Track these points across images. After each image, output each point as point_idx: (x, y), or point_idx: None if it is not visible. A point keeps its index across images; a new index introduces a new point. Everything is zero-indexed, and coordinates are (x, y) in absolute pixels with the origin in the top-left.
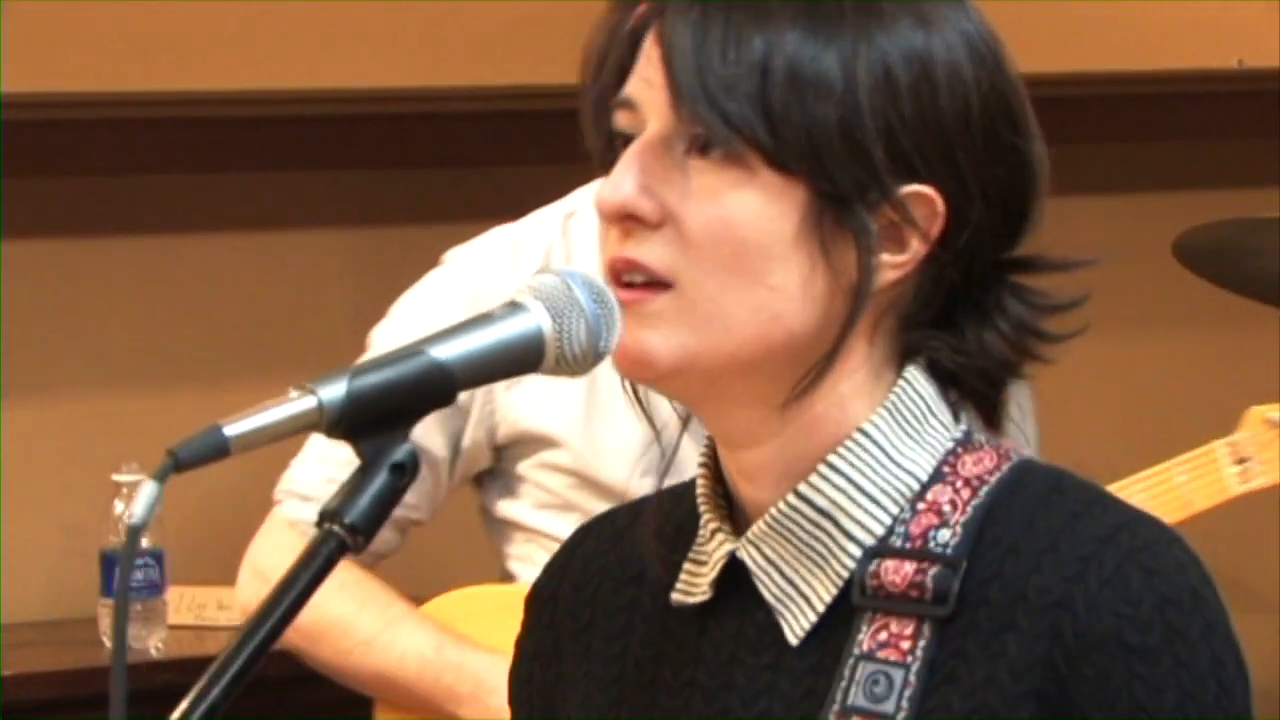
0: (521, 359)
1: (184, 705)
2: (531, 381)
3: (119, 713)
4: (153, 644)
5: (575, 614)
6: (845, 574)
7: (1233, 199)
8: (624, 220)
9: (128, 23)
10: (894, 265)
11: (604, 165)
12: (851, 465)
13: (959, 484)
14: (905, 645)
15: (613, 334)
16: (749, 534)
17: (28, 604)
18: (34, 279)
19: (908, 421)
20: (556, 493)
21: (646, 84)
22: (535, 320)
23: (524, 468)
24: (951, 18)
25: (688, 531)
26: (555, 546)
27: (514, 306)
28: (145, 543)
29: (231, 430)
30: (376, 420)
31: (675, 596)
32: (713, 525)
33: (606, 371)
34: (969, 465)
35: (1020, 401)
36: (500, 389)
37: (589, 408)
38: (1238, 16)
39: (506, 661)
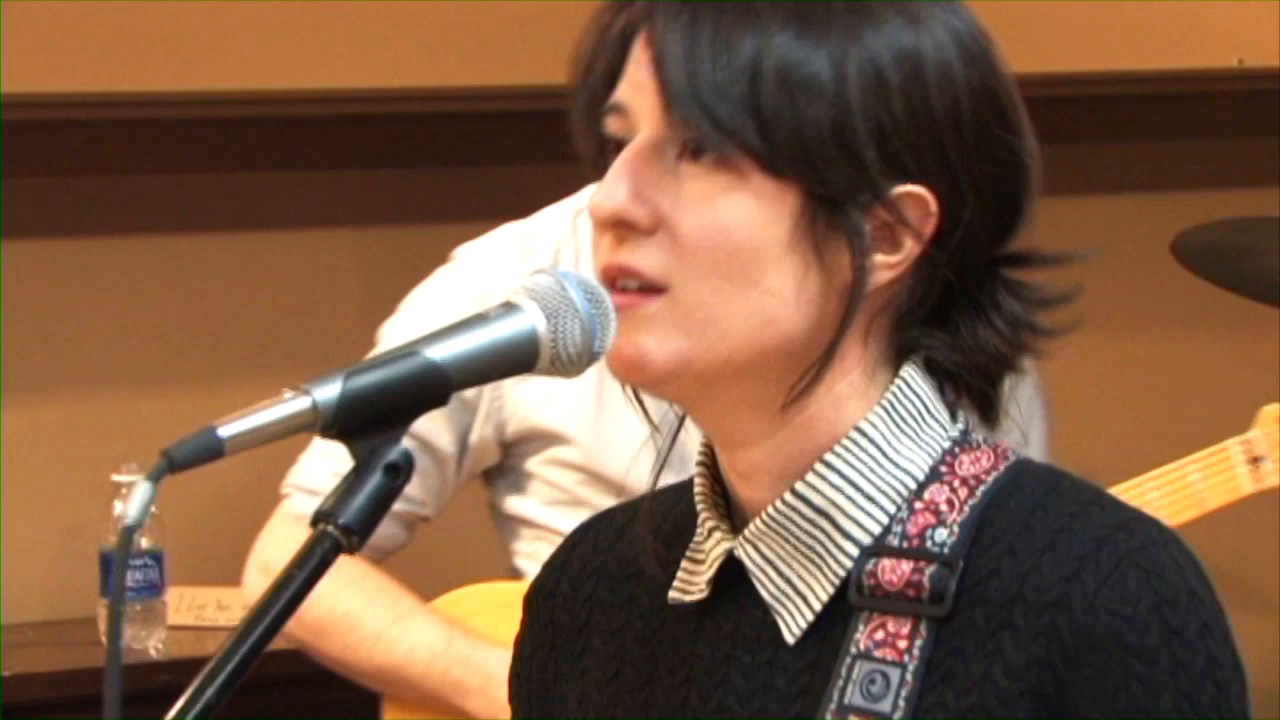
0: (516, 359)
1: (179, 705)
2: (541, 378)
3: (114, 713)
4: (152, 644)
5: (573, 612)
6: (842, 573)
7: (1232, 199)
8: (618, 227)
9: (128, 23)
10: (888, 265)
11: (597, 170)
12: (849, 464)
13: (956, 483)
14: (902, 644)
15: (607, 335)
16: (746, 533)
17: (28, 604)
18: (34, 279)
19: (905, 420)
20: (565, 489)
21: (637, 89)
22: (530, 321)
23: (533, 464)
24: (941, 16)
25: (685, 530)
26: None
27: (509, 307)
28: (145, 543)
29: (226, 431)
30: (371, 421)
31: (673, 595)
32: (710, 524)
33: None
34: (966, 465)
35: (1022, 401)
36: (509, 385)
37: (598, 404)
38: (1238, 16)
39: None
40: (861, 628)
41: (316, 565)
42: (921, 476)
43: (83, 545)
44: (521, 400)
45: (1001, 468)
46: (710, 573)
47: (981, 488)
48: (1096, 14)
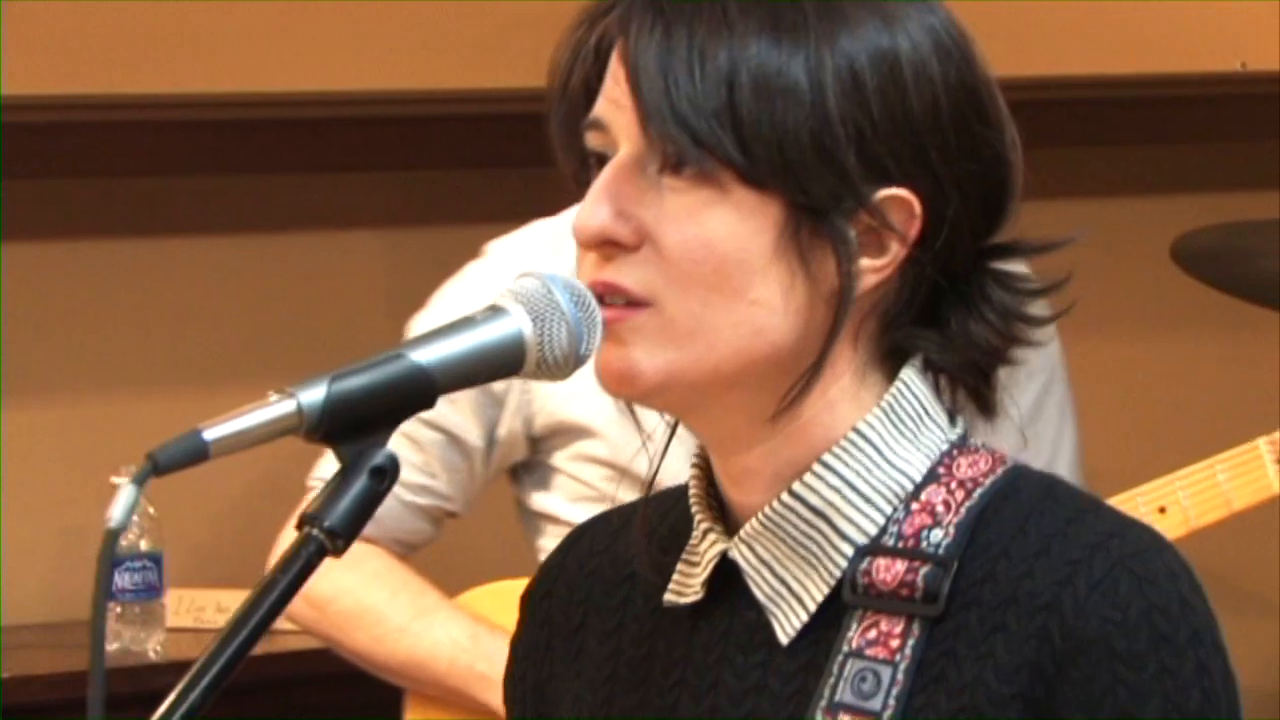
0: (502, 363)
1: (163, 708)
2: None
3: (96, 713)
4: (151, 647)
5: (568, 614)
6: (837, 573)
7: (1232, 202)
8: (603, 246)
9: (128, 25)
10: (874, 270)
11: (579, 185)
12: (846, 465)
13: (953, 485)
14: (894, 644)
15: (594, 338)
16: (742, 533)
17: (27, 606)
18: (35, 281)
19: (903, 422)
20: (592, 485)
21: (615, 105)
22: (516, 324)
23: (559, 459)
24: (916, 14)
25: (681, 533)
26: None
27: (495, 310)
28: (144, 545)
29: (210, 434)
30: (356, 424)
31: (668, 598)
32: (705, 526)
33: None
34: (964, 467)
35: (1021, 401)
36: None
37: None
38: (1240, 20)
39: None
40: (854, 626)
41: (301, 568)
42: (919, 478)
43: (82, 547)
44: (550, 394)
45: (999, 471)
46: (704, 574)
47: (978, 490)
48: (1099, 18)
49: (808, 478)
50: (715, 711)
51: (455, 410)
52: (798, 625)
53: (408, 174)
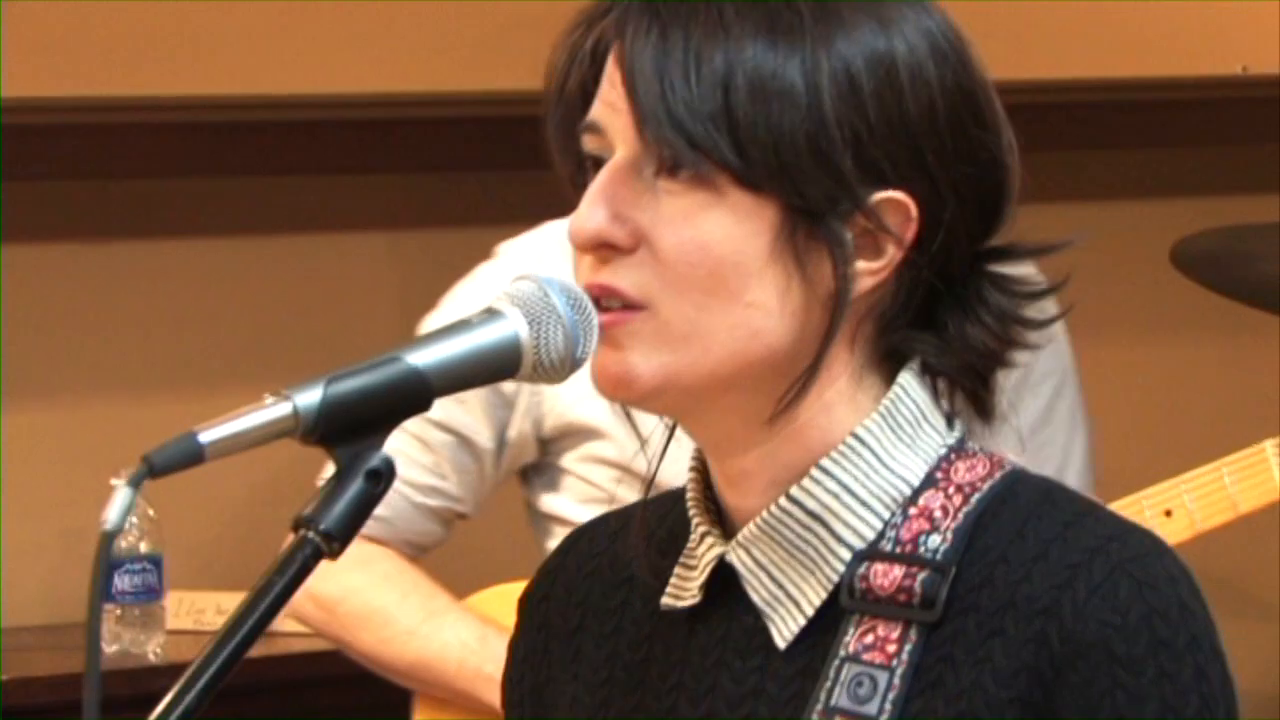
0: (498, 366)
1: (158, 711)
2: (582, 373)
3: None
4: (151, 649)
5: (566, 616)
6: (835, 577)
7: (1231, 205)
8: (599, 249)
9: (129, 27)
10: (870, 272)
11: (576, 188)
12: (844, 469)
13: (951, 490)
14: (891, 648)
15: (590, 341)
16: (739, 537)
17: (27, 608)
18: (35, 282)
19: (901, 427)
20: (601, 486)
21: (611, 109)
22: (512, 327)
23: (569, 460)
24: (912, 17)
25: (679, 536)
26: None
27: (491, 313)
28: (144, 547)
29: (206, 436)
30: (352, 427)
31: (665, 601)
32: (702, 529)
33: None
34: (962, 472)
35: (1032, 406)
36: None
37: None
38: (1242, 23)
39: None
40: (851, 631)
41: (296, 571)
42: (917, 482)
43: (82, 549)
44: (559, 396)
45: (997, 476)
46: (702, 577)
47: (976, 495)
48: (1098, 21)
49: (805, 482)
50: (712, 715)
51: (466, 412)
52: (795, 629)
53: (407, 176)
